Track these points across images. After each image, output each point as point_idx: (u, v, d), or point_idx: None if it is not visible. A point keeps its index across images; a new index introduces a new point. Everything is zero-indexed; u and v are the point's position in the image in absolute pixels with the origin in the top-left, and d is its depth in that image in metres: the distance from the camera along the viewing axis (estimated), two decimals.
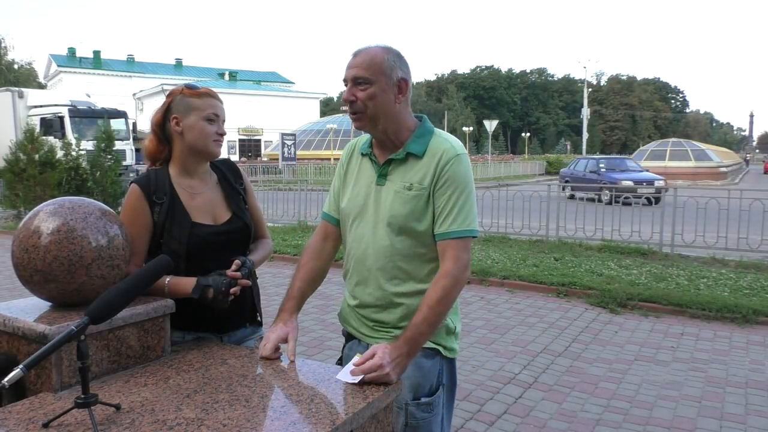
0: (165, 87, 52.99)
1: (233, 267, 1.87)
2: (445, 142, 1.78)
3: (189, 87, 1.97)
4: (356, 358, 1.61)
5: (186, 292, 1.82)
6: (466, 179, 1.75)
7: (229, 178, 2.08)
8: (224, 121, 2.01)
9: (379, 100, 1.72)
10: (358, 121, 1.77)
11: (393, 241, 1.75)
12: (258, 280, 2.15)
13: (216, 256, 1.90)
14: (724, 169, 31.50)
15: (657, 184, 17.06)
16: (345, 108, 1.82)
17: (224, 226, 1.98)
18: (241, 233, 2.01)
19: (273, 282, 7.18)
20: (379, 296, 1.79)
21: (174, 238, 1.88)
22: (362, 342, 1.89)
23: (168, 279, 1.82)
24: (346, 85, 1.76)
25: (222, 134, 1.98)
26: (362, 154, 1.89)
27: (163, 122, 1.97)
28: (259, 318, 2.14)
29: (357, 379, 1.54)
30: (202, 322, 1.96)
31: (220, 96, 2.07)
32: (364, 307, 1.85)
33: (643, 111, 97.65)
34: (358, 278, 1.84)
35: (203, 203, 1.98)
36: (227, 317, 1.98)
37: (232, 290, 1.84)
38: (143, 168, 2.16)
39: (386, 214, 1.76)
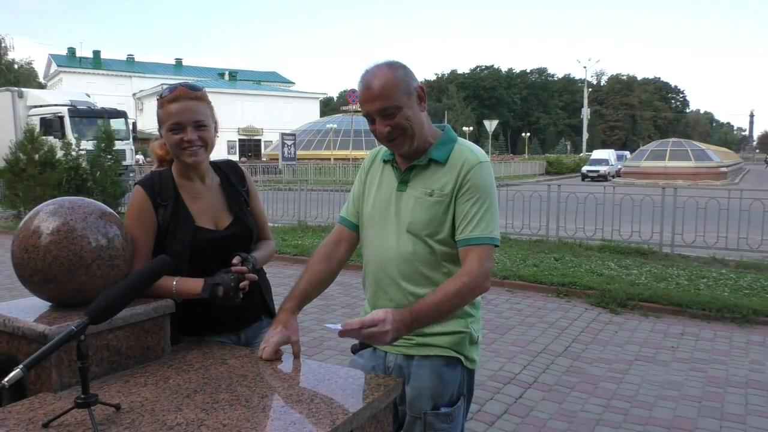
0: (165, 87, 52.89)
1: (235, 262, 1.86)
2: (468, 150, 1.78)
3: (162, 95, 1.90)
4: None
5: (195, 293, 1.81)
6: (489, 187, 1.74)
7: (231, 179, 2.06)
8: (197, 121, 1.87)
9: (413, 119, 1.71)
10: (399, 146, 1.74)
11: (415, 247, 1.75)
12: (266, 275, 2.16)
13: (218, 259, 1.89)
14: (724, 169, 31.49)
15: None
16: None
17: (226, 231, 1.97)
18: (243, 237, 2.00)
19: (273, 282, 7.08)
20: (400, 302, 1.77)
21: (177, 241, 1.87)
22: (377, 350, 1.86)
23: (175, 281, 1.82)
24: (369, 119, 1.73)
25: (189, 141, 1.85)
26: (384, 161, 1.88)
27: None
28: (272, 310, 2.13)
29: (354, 325, 1.54)
30: (217, 322, 1.95)
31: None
32: None
33: (643, 111, 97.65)
34: (379, 285, 1.82)
35: (205, 206, 1.97)
36: (241, 314, 1.98)
37: (241, 285, 1.83)
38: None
39: (406, 220, 1.76)
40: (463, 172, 1.73)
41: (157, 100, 1.93)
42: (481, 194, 1.71)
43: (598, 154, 41.60)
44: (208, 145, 1.92)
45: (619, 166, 37.60)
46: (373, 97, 1.68)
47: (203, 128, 1.89)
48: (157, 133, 2.01)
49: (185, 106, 1.86)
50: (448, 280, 1.68)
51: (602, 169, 35.94)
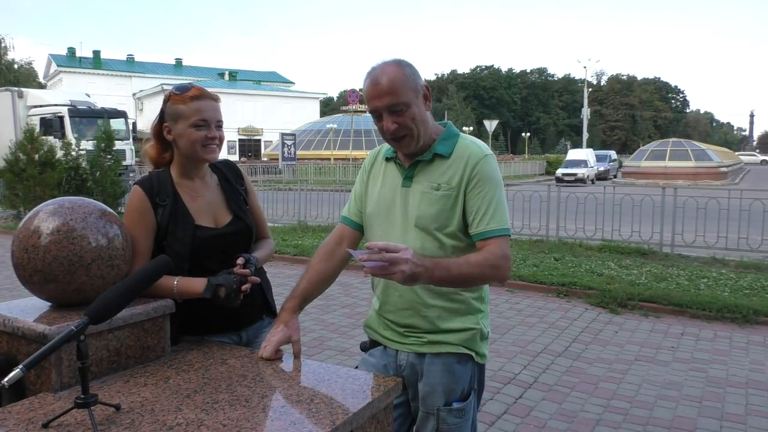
0: (165, 87, 53.10)
1: (239, 263, 1.87)
2: (472, 144, 1.79)
3: (176, 91, 1.92)
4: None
5: (197, 293, 1.81)
6: (496, 179, 1.76)
7: (229, 178, 2.08)
8: (219, 121, 1.94)
9: (419, 117, 1.72)
10: (406, 146, 1.74)
11: (423, 242, 1.74)
12: (266, 274, 2.16)
13: (219, 257, 1.90)
14: (724, 169, 31.51)
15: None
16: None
17: (226, 229, 1.98)
18: (243, 234, 2.01)
19: (273, 282, 7.10)
20: (410, 298, 1.77)
21: (177, 240, 1.88)
22: (388, 349, 1.87)
23: (176, 280, 1.82)
24: (375, 116, 1.73)
25: (213, 138, 1.90)
26: (386, 159, 1.89)
27: (160, 129, 1.96)
28: (274, 309, 2.14)
29: (377, 245, 1.49)
30: (219, 322, 1.96)
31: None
32: (393, 312, 1.83)
33: (643, 111, 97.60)
34: (388, 282, 1.79)
35: (204, 205, 1.97)
36: (242, 313, 1.99)
37: (243, 287, 1.84)
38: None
39: (414, 215, 1.76)
40: (470, 165, 1.74)
41: (173, 95, 1.91)
42: (490, 187, 1.73)
43: (574, 154, 35.56)
44: (221, 144, 1.97)
45: (601, 168, 34.38)
46: (381, 93, 1.68)
47: (221, 128, 1.95)
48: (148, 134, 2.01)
49: (210, 105, 1.91)
50: (474, 253, 1.69)
51: (580, 171, 30.89)
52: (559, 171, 31.94)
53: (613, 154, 41.43)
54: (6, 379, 1.22)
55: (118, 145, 14.13)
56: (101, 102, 22.61)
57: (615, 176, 36.03)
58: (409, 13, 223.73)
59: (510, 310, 6.14)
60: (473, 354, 1.80)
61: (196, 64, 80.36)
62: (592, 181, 30.93)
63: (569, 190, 10.09)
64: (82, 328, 1.34)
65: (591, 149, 39.54)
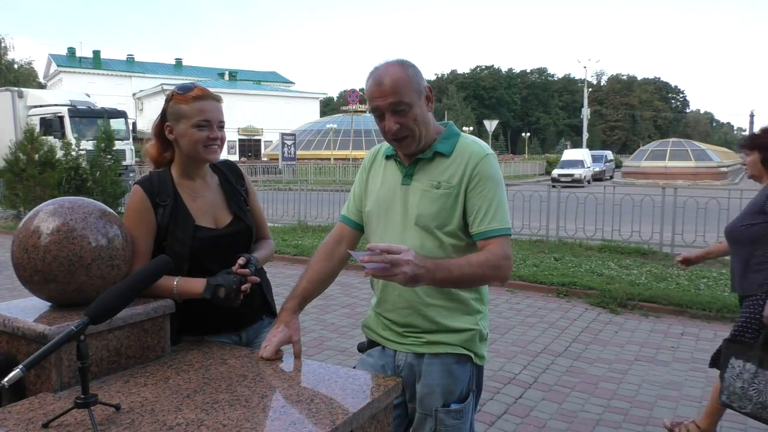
0: (165, 87, 53.11)
1: (239, 263, 1.87)
2: (474, 143, 1.79)
3: (179, 91, 1.92)
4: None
5: (196, 293, 1.81)
6: (497, 178, 1.75)
7: (230, 179, 2.08)
8: (221, 122, 1.94)
9: (421, 118, 1.72)
10: (407, 147, 1.75)
11: (423, 241, 1.74)
12: (266, 274, 2.16)
13: (219, 258, 1.90)
14: (724, 169, 31.52)
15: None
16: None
17: (226, 230, 1.97)
18: (243, 235, 2.01)
19: (273, 282, 7.11)
20: (409, 297, 1.77)
21: (177, 240, 1.88)
22: (387, 349, 1.86)
23: (176, 281, 1.82)
24: (377, 115, 1.73)
25: (215, 138, 1.90)
26: (386, 157, 1.88)
27: (162, 128, 1.95)
28: (274, 309, 2.14)
29: (379, 247, 1.48)
30: (219, 322, 1.96)
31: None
32: (392, 311, 1.82)
33: (643, 111, 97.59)
34: (386, 281, 1.78)
35: (205, 205, 1.97)
36: (242, 314, 1.99)
37: (243, 287, 1.83)
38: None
39: (414, 213, 1.75)
40: (471, 164, 1.73)
41: (176, 94, 1.91)
42: (491, 186, 1.73)
43: (570, 154, 34.56)
44: (223, 145, 1.96)
45: (596, 169, 33.66)
46: (384, 92, 1.67)
47: (222, 129, 1.95)
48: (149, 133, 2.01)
49: (212, 105, 1.91)
50: (475, 253, 1.69)
51: (577, 172, 29.81)
52: (555, 171, 30.85)
53: (609, 154, 40.85)
54: (6, 379, 1.22)
55: (118, 145, 14.13)
56: (101, 102, 22.61)
57: (611, 177, 35.71)
58: (409, 13, 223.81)
59: (510, 310, 6.14)
60: (472, 355, 1.80)
61: (196, 64, 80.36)
62: (588, 181, 30.31)
63: (569, 189, 10.10)
64: (82, 328, 1.34)
65: (587, 149, 38.88)
